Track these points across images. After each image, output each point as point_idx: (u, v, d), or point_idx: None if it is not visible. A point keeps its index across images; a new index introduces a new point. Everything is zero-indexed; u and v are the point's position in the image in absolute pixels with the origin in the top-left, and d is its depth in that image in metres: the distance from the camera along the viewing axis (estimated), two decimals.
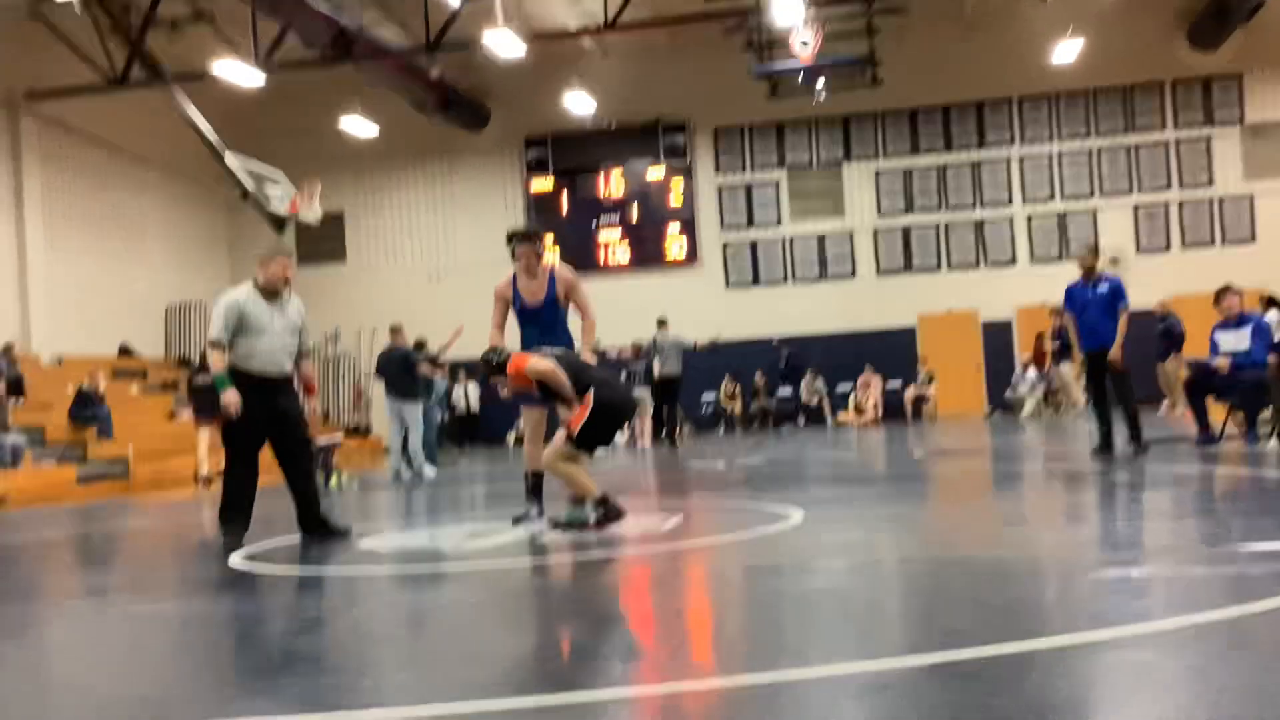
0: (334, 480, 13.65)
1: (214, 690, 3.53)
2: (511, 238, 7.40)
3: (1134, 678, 2.92)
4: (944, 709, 2.67)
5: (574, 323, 7.47)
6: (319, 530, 7.19)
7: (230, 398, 7.01)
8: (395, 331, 14.87)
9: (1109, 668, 3.03)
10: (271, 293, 7.19)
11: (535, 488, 7.28)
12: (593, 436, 6.71)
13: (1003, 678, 2.95)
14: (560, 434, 6.75)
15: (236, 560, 6.49)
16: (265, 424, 7.17)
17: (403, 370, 14.38)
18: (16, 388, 16.88)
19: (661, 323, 18.98)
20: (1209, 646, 3.22)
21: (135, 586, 6.46)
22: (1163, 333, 18.61)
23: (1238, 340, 10.34)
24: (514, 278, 7.37)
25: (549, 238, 25.14)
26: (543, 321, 7.27)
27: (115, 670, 3.99)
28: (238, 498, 7.19)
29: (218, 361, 7.07)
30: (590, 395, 6.65)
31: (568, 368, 6.73)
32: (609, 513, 6.56)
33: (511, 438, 22.38)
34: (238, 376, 7.07)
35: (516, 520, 7.15)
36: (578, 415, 6.64)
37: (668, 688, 3.14)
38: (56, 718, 3.30)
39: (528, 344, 7.14)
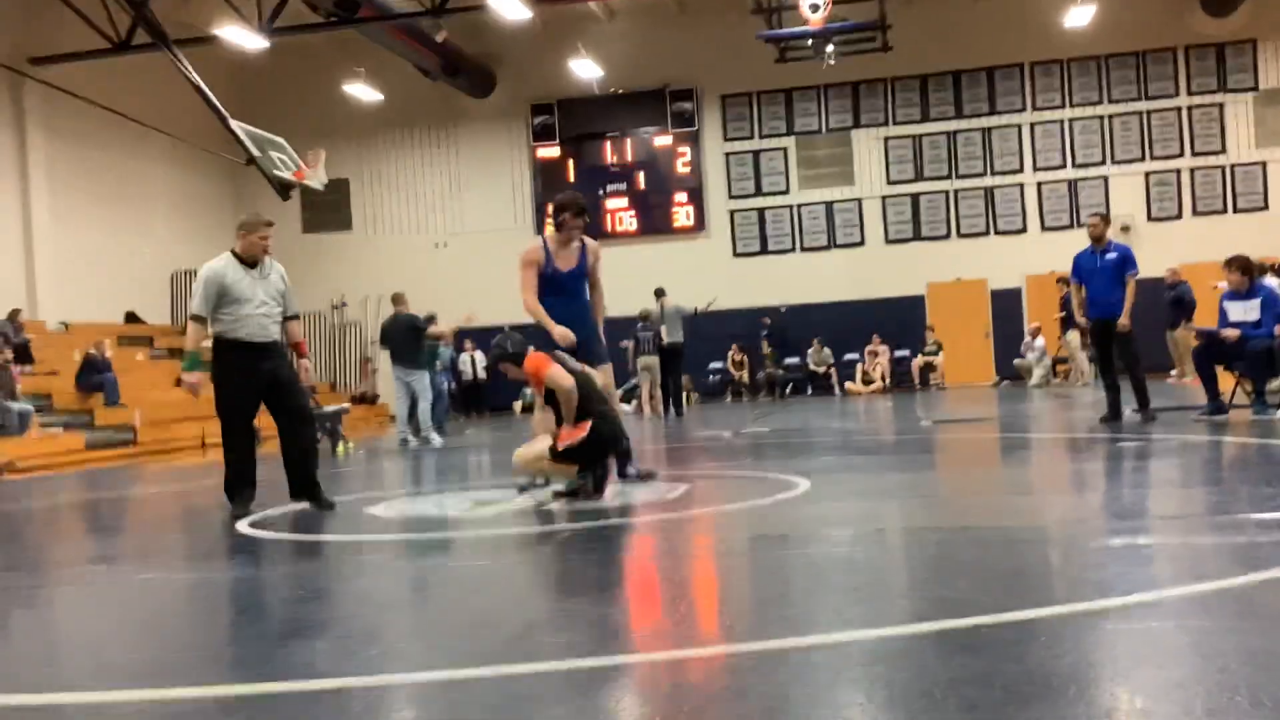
0: (340, 448, 13.68)
1: (222, 656, 3.54)
2: (564, 208, 7.40)
3: (1140, 646, 2.91)
4: (949, 677, 2.67)
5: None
6: (304, 496, 7.15)
7: (191, 379, 7.12)
8: (398, 300, 14.81)
9: (1115, 636, 3.02)
10: (251, 262, 7.17)
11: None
12: (575, 458, 6.70)
13: (1008, 646, 2.94)
14: (543, 440, 6.76)
15: (243, 528, 6.51)
16: (257, 390, 7.16)
17: (409, 339, 14.35)
18: (24, 354, 16.91)
19: (660, 293, 18.97)
20: (1216, 615, 3.22)
21: (143, 553, 6.49)
22: (1173, 301, 18.56)
23: (1247, 311, 10.29)
24: (544, 244, 7.44)
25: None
26: (570, 290, 7.41)
27: (124, 636, 4.01)
28: (241, 468, 7.17)
29: (193, 338, 7.10)
30: (588, 425, 6.66)
31: (580, 389, 6.74)
32: (598, 482, 6.69)
33: (519, 406, 22.41)
34: (228, 345, 7.05)
35: (522, 489, 7.14)
36: (568, 435, 6.66)
37: (673, 654, 3.14)
38: (66, 682, 3.31)
39: (555, 311, 7.24)
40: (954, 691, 2.54)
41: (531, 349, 6.97)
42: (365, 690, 2.94)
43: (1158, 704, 2.41)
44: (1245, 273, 10.45)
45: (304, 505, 7.21)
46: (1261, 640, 2.91)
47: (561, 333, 7.12)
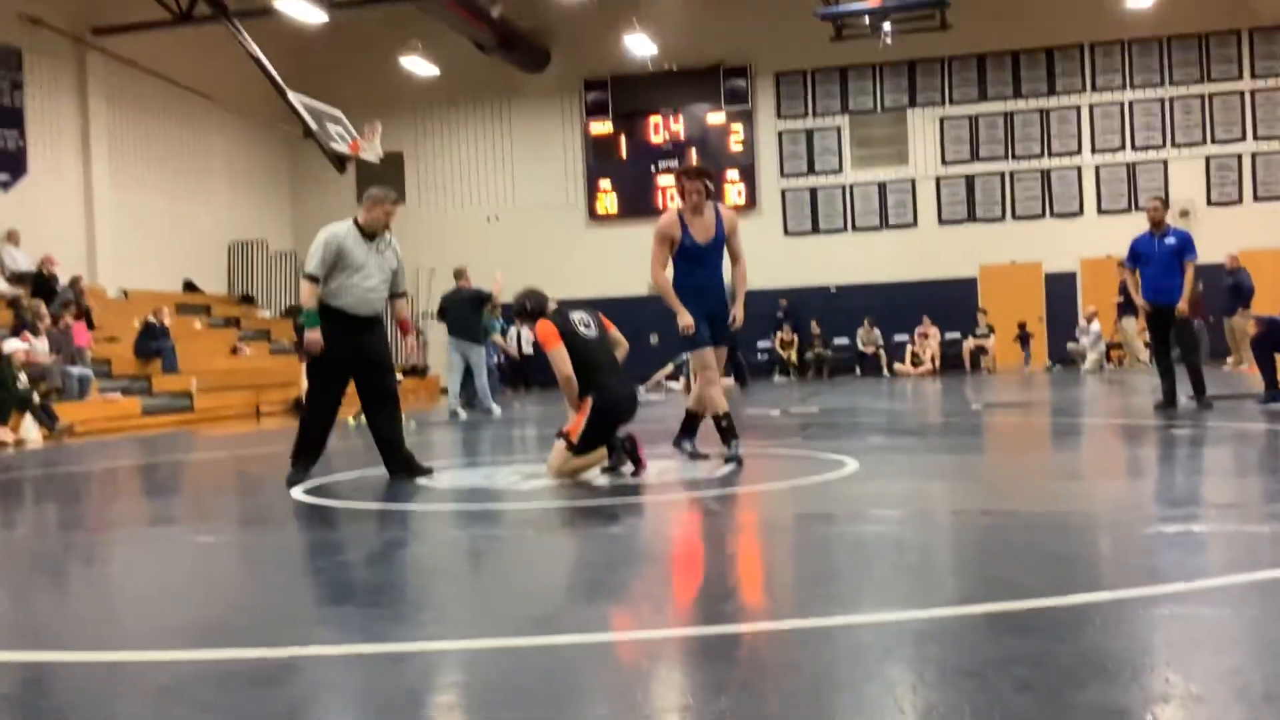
0: None
1: (276, 619, 3.60)
2: (679, 175, 7.25)
3: (1195, 632, 2.89)
4: (1001, 657, 2.66)
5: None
6: (403, 470, 7.23)
7: (313, 336, 6.98)
8: (460, 274, 15.02)
9: (1169, 621, 3.00)
10: (370, 234, 7.18)
11: (728, 429, 7.15)
12: (593, 440, 6.77)
13: (1060, 628, 2.93)
14: (559, 445, 6.81)
15: (298, 494, 6.60)
16: (349, 362, 7.15)
17: (470, 313, 14.52)
18: (85, 320, 17.20)
19: None
20: (1272, 603, 3.18)
21: (200, 517, 6.60)
22: (1232, 288, 18.24)
23: None
24: (679, 216, 7.16)
25: (607, 182, 25.14)
26: (709, 262, 7.16)
27: (180, 597, 4.09)
28: (313, 433, 7.23)
29: (308, 296, 7.01)
30: (589, 401, 6.73)
31: (581, 361, 6.82)
32: (633, 457, 6.78)
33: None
34: (327, 312, 7.05)
35: (729, 459, 7.03)
36: (575, 423, 6.76)
37: (720, 629, 3.15)
38: (124, 641, 3.39)
39: (691, 283, 7.08)
40: (1006, 672, 2.54)
41: (548, 313, 7.09)
42: (419, 655, 2.98)
43: (1213, 689, 2.39)
44: None
45: (357, 473, 7.29)
46: None
47: (685, 323, 6.97)
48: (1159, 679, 2.48)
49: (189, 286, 22.82)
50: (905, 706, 2.35)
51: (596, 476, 6.72)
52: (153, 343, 18.04)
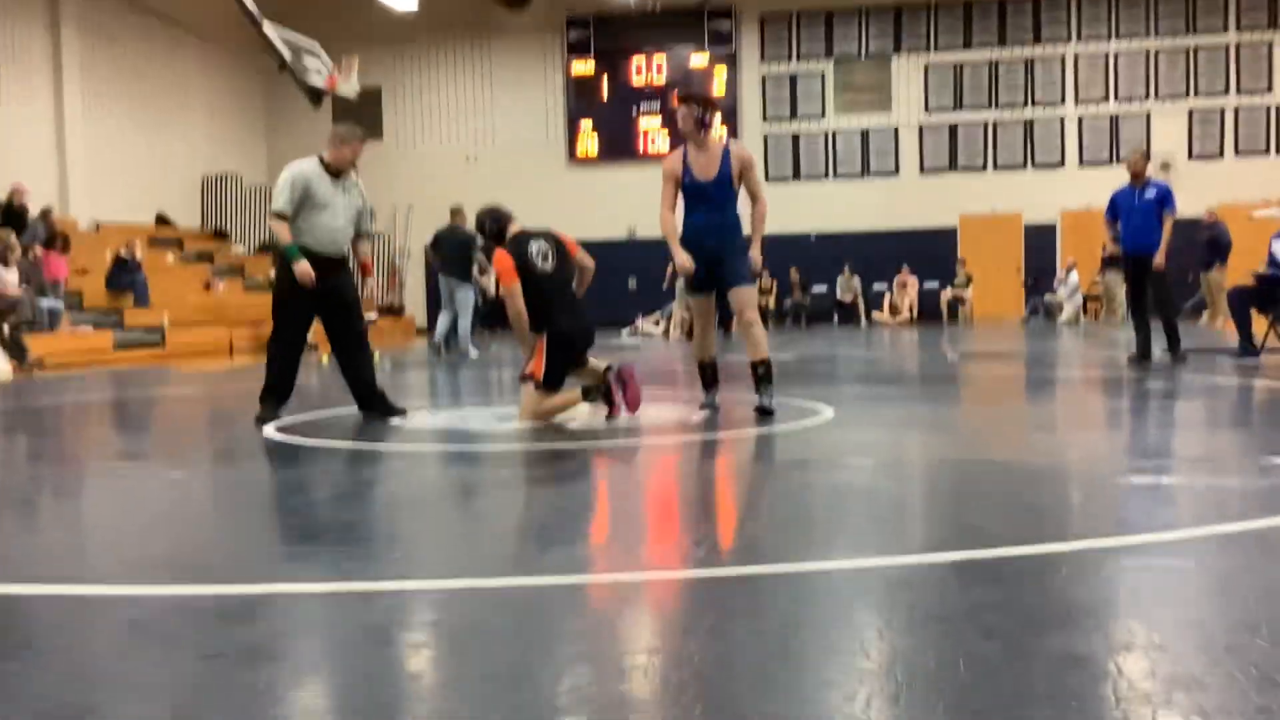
0: None
1: (246, 555, 3.59)
2: (677, 99, 6.94)
3: (1160, 582, 2.91)
4: (968, 604, 2.68)
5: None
6: (377, 409, 7.20)
7: (303, 268, 6.86)
8: (456, 213, 15.00)
9: (1135, 572, 3.02)
10: (336, 172, 7.08)
11: (711, 378, 7.03)
12: (557, 373, 6.71)
13: (1028, 577, 2.95)
14: (526, 389, 6.75)
15: (270, 432, 6.57)
16: (314, 302, 7.09)
17: (461, 252, 14.57)
18: (62, 246, 16.97)
19: None
20: (1238, 555, 3.21)
21: (171, 452, 6.57)
22: (1209, 241, 18.30)
23: None
24: (685, 152, 6.79)
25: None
26: (713, 200, 6.71)
27: (150, 532, 4.07)
28: (282, 375, 7.18)
29: (284, 233, 6.91)
30: (543, 340, 6.69)
31: (535, 297, 6.72)
32: (607, 395, 6.69)
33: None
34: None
35: (705, 406, 6.92)
36: (536, 363, 6.70)
37: (690, 573, 3.16)
38: (93, 575, 3.37)
39: (696, 223, 6.73)
40: (973, 619, 2.55)
41: (507, 239, 6.93)
42: (389, 593, 2.97)
43: (1176, 639, 2.41)
44: None
45: (328, 411, 7.26)
46: None
47: (681, 264, 6.64)
48: (1123, 628, 2.50)
49: (161, 220, 22.56)
50: (871, 651, 2.36)
51: (570, 420, 6.71)
52: (124, 276, 17.87)
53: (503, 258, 6.83)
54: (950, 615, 2.59)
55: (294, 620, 2.82)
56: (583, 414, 6.83)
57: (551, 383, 6.70)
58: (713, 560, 3.36)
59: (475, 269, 15.47)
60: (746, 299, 6.84)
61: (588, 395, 6.73)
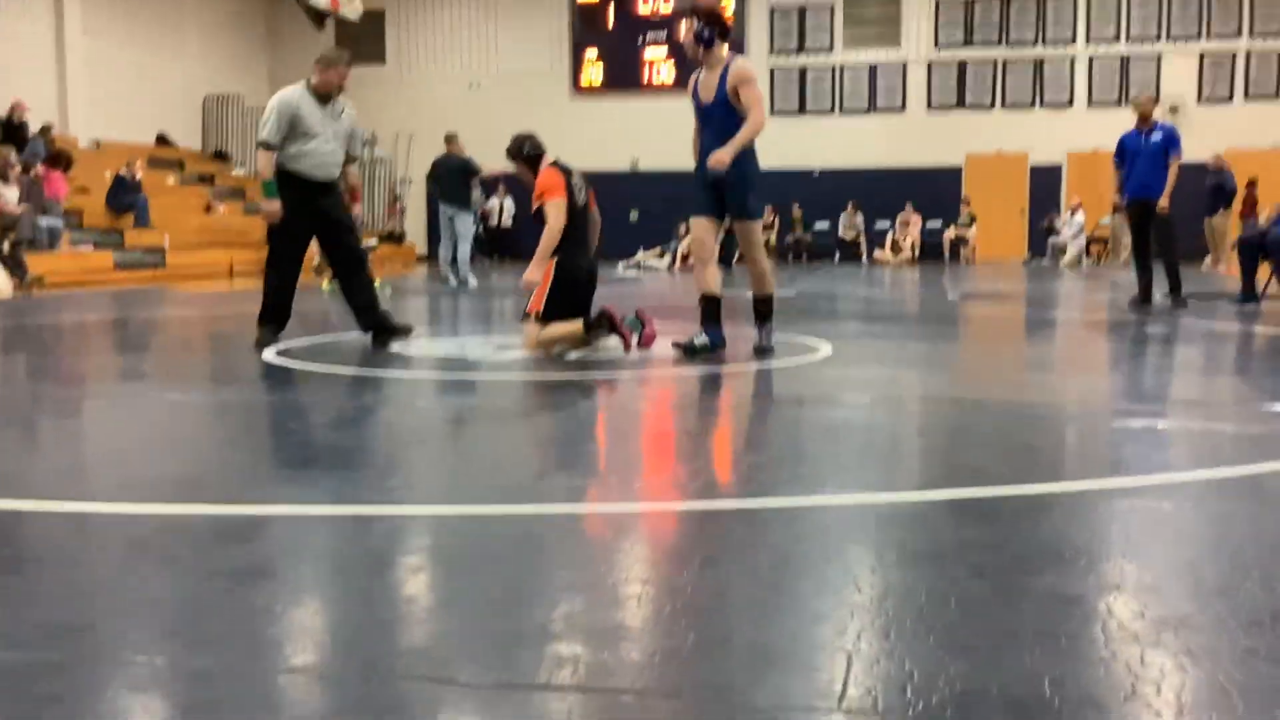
0: None
1: (244, 477, 3.61)
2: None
3: (1154, 525, 2.93)
4: (960, 542, 2.69)
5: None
6: (381, 331, 7.20)
7: (272, 206, 6.90)
8: (451, 140, 14.88)
9: (1129, 514, 3.04)
10: (324, 97, 7.02)
11: (711, 314, 6.54)
12: (557, 310, 6.67)
13: (1021, 516, 2.97)
14: (528, 324, 6.70)
15: (269, 356, 6.58)
16: (309, 227, 7.10)
17: (458, 179, 14.47)
18: (65, 164, 16.85)
19: None
20: (1232, 500, 3.22)
21: (170, 374, 6.57)
22: (1214, 187, 18.19)
23: None
24: (697, 74, 6.48)
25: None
26: (715, 122, 6.32)
27: (148, 452, 4.09)
28: (279, 299, 7.19)
29: (265, 165, 6.89)
30: (550, 267, 6.65)
31: (569, 219, 6.68)
32: (606, 329, 6.62)
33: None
34: (286, 178, 6.95)
35: (691, 351, 6.44)
36: (538, 294, 6.68)
37: (686, 505, 3.18)
38: (90, 493, 3.39)
39: (704, 146, 6.36)
40: (964, 557, 2.57)
41: (549, 164, 6.91)
42: (386, 518, 2.99)
43: (1168, 580, 2.43)
44: None
45: (328, 336, 7.26)
46: (1276, 527, 2.92)
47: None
48: (1114, 569, 2.51)
49: (162, 140, 22.38)
50: (863, 586, 2.38)
51: (571, 352, 6.71)
52: (125, 197, 17.76)
53: (553, 174, 6.84)
54: (942, 553, 2.61)
55: (292, 542, 2.84)
56: (603, 345, 6.73)
57: (550, 316, 6.69)
58: (708, 493, 3.38)
59: (476, 195, 15.44)
60: (742, 233, 6.60)
61: (591, 329, 6.67)
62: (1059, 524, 2.89)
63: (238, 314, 9.72)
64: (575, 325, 6.67)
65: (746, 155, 6.37)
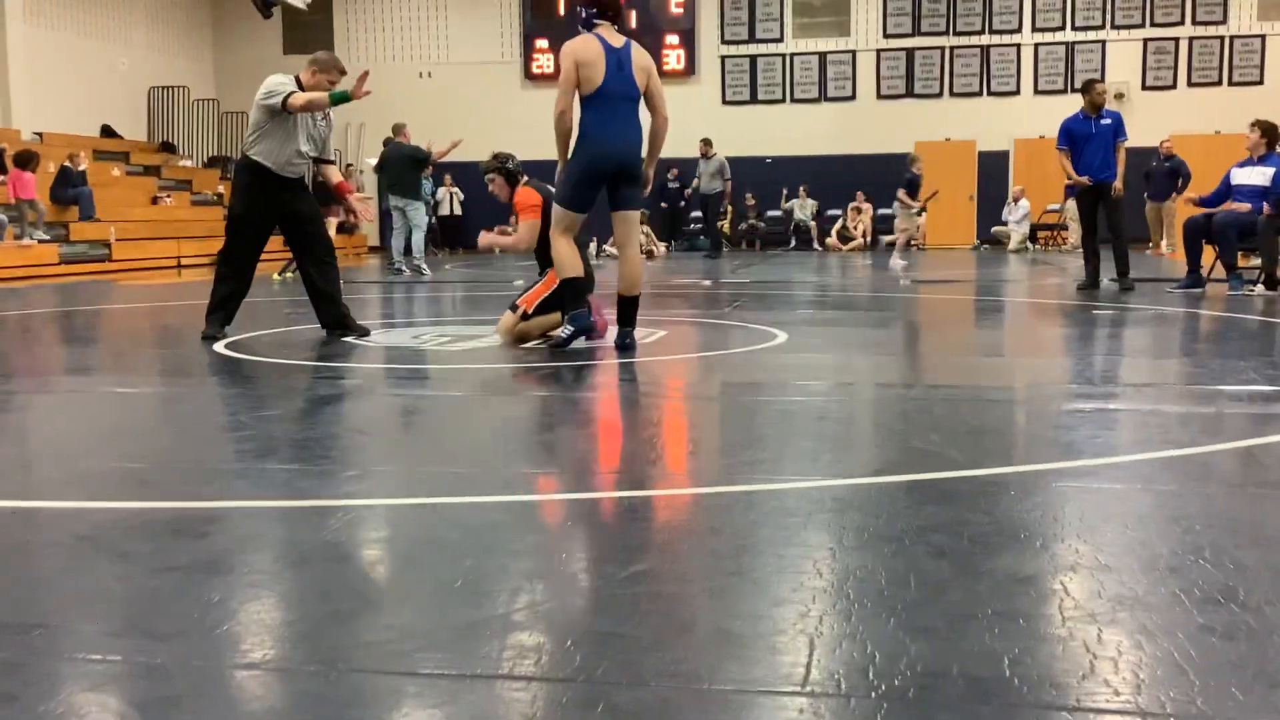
0: None
1: (197, 471, 3.55)
2: None
3: (1106, 505, 2.97)
4: (918, 524, 2.71)
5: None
6: (338, 327, 7.13)
7: (357, 90, 6.81)
8: (398, 130, 14.81)
9: (1082, 495, 3.08)
10: None
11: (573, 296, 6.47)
12: (549, 307, 6.64)
13: (976, 498, 2.99)
14: (511, 315, 6.65)
15: (220, 348, 6.50)
16: (269, 218, 7.04)
17: (408, 169, 14.39)
18: (34, 164, 16.47)
19: (707, 143, 18.99)
20: (1183, 480, 3.27)
21: (118, 368, 6.47)
22: (1168, 172, 18.43)
23: (1253, 175, 10.17)
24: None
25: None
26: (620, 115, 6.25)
27: (97, 447, 4.02)
28: (230, 291, 7.10)
29: (316, 92, 6.81)
30: (553, 274, 6.55)
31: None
32: (588, 322, 6.54)
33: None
34: (252, 166, 6.90)
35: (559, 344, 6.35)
36: (536, 292, 6.64)
37: (645, 493, 3.18)
38: (39, 490, 3.33)
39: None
40: (923, 539, 2.59)
41: (525, 180, 7.00)
42: (342, 509, 2.96)
43: (1121, 559, 2.46)
44: (1266, 136, 10.29)
45: (279, 330, 7.19)
46: (1226, 505, 2.97)
47: None
48: (1069, 549, 2.54)
49: (107, 131, 22.01)
50: (823, 570, 2.39)
51: (536, 342, 6.67)
52: (69, 189, 17.45)
53: (531, 194, 6.93)
54: (900, 535, 2.63)
55: (247, 535, 2.80)
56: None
57: (542, 311, 6.67)
58: (665, 481, 3.38)
59: (427, 191, 15.39)
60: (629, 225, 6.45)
61: (569, 320, 6.59)
62: (1015, 506, 2.92)
63: (186, 307, 9.60)
64: (554, 317, 6.64)
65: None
